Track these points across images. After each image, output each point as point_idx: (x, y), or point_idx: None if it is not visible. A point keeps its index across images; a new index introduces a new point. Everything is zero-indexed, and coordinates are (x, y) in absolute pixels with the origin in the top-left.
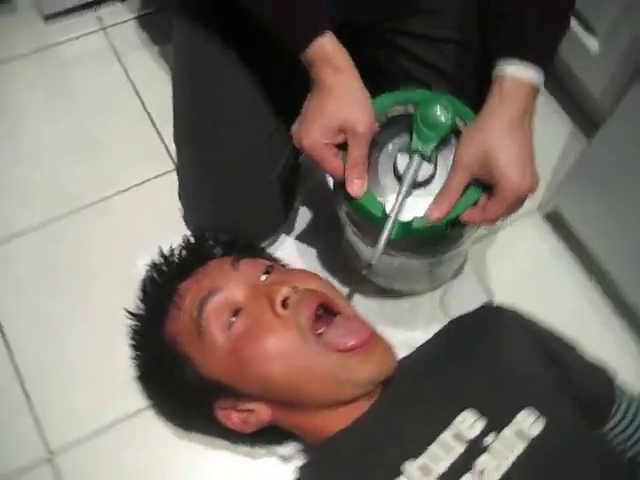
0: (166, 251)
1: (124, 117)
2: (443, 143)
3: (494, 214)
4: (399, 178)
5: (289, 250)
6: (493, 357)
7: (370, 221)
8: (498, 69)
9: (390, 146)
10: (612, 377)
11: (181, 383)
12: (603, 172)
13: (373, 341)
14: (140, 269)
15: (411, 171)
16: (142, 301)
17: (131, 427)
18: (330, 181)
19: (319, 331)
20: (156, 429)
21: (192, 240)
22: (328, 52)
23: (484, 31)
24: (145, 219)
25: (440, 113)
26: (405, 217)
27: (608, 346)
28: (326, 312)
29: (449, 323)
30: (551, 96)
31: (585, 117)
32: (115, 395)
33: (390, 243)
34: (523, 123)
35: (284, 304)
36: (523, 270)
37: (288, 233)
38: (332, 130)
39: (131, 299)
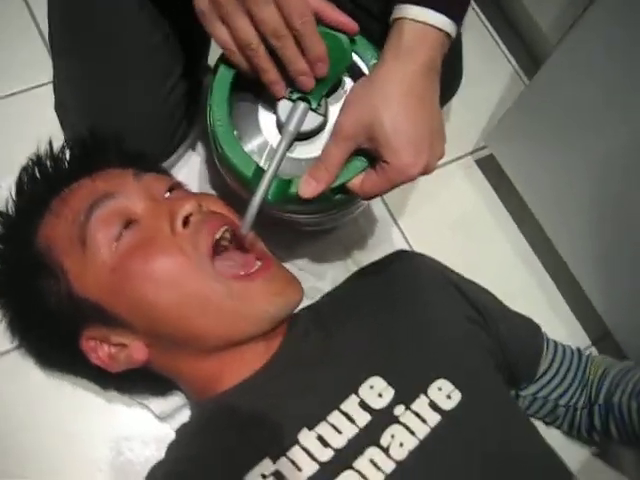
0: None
1: (6, 19)
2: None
3: (372, 192)
4: (281, 127)
5: (186, 177)
6: (411, 314)
7: (240, 180)
8: (399, 8)
9: None
10: (538, 327)
11: (48, 299)
12: (542, 116)
13: (272, 268)
14: (4, 190)
15: (293, 122)
16: (16, 197)
17: None
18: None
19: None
20: (26, 371)
21: (89, 141)
22: None
23: None
24: (16, 135)
25: (331, 55)
26: (288, 170)
27: (537, 302)
28: (232, 243)
29: (359, 271)
30: (494, 30)
31: (530, 56)
32: None
33: (266, 204)
34: (426, 84)
35: (185, 222)
36: (449, 219)
37: (187, 159)
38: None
39: None
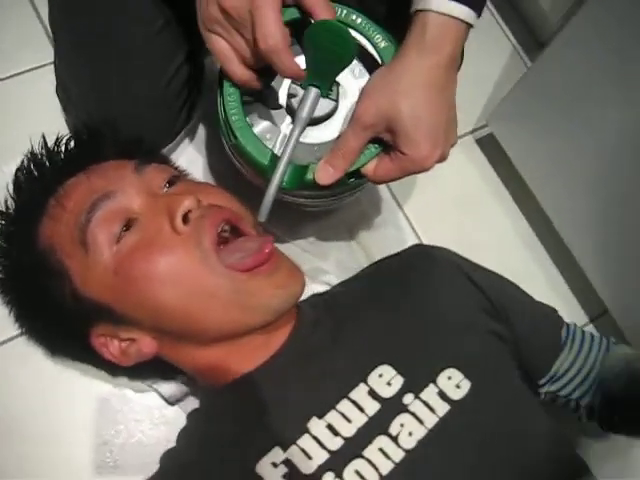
0: (50, 143)
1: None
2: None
3: (385, 178)
4: (292, 113)
5: (189, 160)
6: (422, 304)
7: (256, 168)
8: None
9: None
10: (558, 321)
11: (53, 301)
12: (545, 96)
13: (275, 260)
14: (7, 175)
15: (306, 108)
16: (14, 197)
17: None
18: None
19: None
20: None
21: (84, 133)
22: None
23: None
24: (16, 118)
25: (338, 44)
26: (300, 155)
27: (536, 280)
28: (232, 234)
29: (375, 264)
30: (493, 8)
31: (530, 35)
32: None
33: (281, 191)
34: (448, 77)
35: (185, 219)
36: (450, 199)
37: (189, 141)
38: None
39: None
